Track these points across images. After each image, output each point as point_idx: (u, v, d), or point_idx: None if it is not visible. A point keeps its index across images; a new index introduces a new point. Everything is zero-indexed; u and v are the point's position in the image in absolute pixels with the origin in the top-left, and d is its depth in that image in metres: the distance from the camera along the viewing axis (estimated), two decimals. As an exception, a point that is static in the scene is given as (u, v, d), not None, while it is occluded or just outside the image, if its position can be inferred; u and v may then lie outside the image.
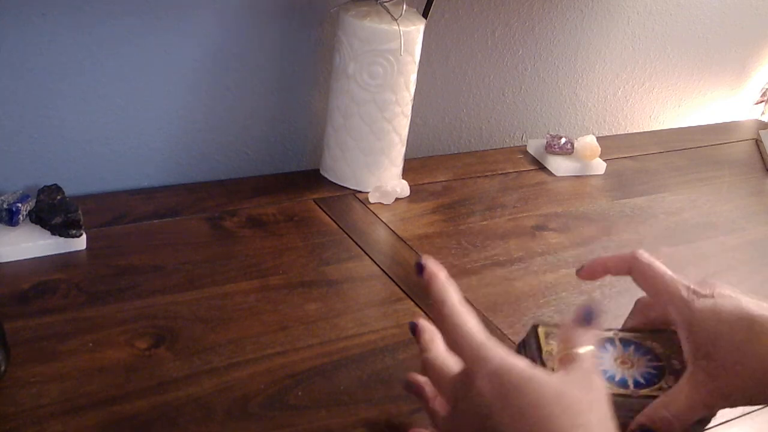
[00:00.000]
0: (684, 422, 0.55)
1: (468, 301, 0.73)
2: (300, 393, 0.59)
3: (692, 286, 0.56)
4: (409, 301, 0.72)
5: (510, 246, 0.84)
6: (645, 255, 0.59)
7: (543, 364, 0.57)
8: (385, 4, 0.83)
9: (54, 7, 0.75)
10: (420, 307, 0.71)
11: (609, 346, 0.60)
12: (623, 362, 0.59)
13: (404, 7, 0.84)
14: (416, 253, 0.80)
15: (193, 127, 0.89)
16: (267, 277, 0.72)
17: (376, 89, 0.85)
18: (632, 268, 0.59)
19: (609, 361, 0.59)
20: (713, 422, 0.62)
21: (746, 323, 0.52)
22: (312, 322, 0.67)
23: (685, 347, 0.56)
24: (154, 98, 0.85)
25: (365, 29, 0.82)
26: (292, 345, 0.64)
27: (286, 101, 0.93)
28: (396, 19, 0.82)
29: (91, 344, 0.61)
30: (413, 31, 0.84)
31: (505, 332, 0.70)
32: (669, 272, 0.57)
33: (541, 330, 0.60)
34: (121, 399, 0.56)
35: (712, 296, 0.55)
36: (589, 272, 0.62)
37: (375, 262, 0.77)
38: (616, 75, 1.22)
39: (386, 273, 0.76)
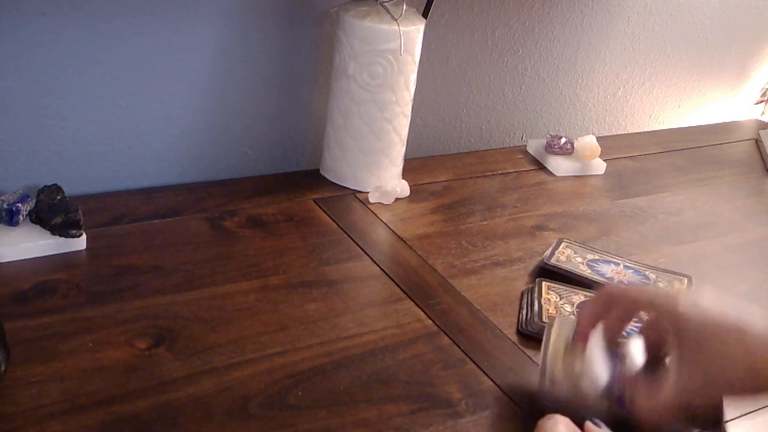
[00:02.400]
0: (664, 412, 0.56)
1: (468, 300, 0.73)
2: (300, 393, 0.59)
3: (674, 293, 0.58)
4: (409, 301, 0.72)
5: (510, 246, 0.84)
6: (609, 287, 0.63)
7: (540, 306, 0.69)
8: (385, 4, 0.83)
9: (54, 7, 0.75)
10: (420, 307, 0.71)
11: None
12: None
13: (404, 7, 0.84)
14: (416, 253, 0.80)
15: (193, 127, 0.89)
16: (267, 277, 0.72)
17: (376, 89, 0.85)
18: (611, 305, 0.61)
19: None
20: (713, 422, 0.62)
21: (733, 323, 0.54)
22: (312, 322, 0.67)
23: (672, 349, 0.57)
24: (154, 98, 0.85)
25: (365, 29, 0.82)
26: (292, 345, 0.64)
27: (286, 101, 0.93)
28: (396, 19, 0.82)
29: (91, 344, 0.61)
30: (413, 31, 0.84)
31: (505, 332, 0.70)
32: (642, 288, 0.61)
33: (544, 284, 0.72)
34: (121, 399, 0.56)
35: (698, 301, 0.56)
36: (582, 335, 0.62)
37: (375, 262, 0.77)
38: (616, 75, 1.22)
39: (386, 273, 0.76)
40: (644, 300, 0.59)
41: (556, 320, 0.65)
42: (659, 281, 0.78)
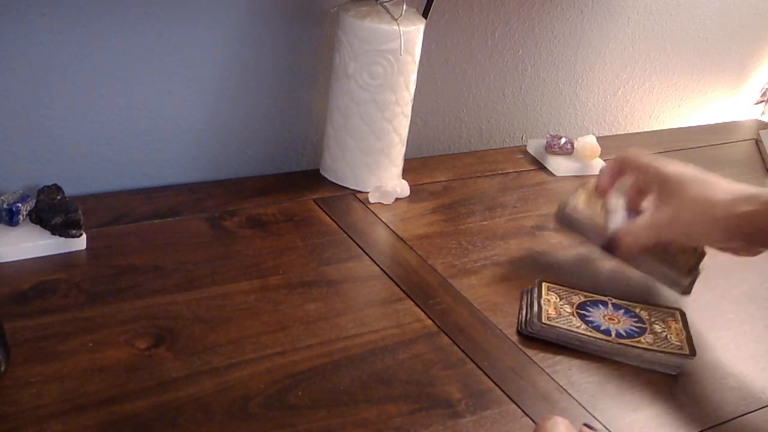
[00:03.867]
0: (638, 240, 0.73)
1: (468, 300, 0.73)
2: (300, 393, 0.59)
3: (668, 161, 0.74)
4: (409, 301, 0.72)
5: (510, 246, 0.84)
6: (630, 154, 0.78)
7: (540, 307, 0.70)
8: (385, 4, 0.83)
9: (54, 7, 0.75)
10: (420, 307, 0.71)
11: (601, 306, 0.73)
12: (611, 319, 0.71)
13: (404, 7, 0.84)
14: (416, 253, 0.80)
15: (193, 127, 0.89)
16: (267, 277, 0.72)
17: (376, 89, 0.85)
18: (624, 168, 0.78)
19: (599, 316, 0.71)
20: (713, 422, 0.63)
21: (700, 179, 0.71)
22: (312, 322, 0.67)
23: (655, 197, 0.74)
24: (154, 98, 0.85)
25: (365, 29, 0.82)
26: (292, 345, 0.64)
27: (286, 101, 0.93)
28: (396, 19, 0.82)
29: (91, 344, 0.61)
30: (413, 31, 0.84)
31: (505, 332, 0.70)
32: (649, 158, 0.76)
33: (544, 285, 0.74)
34: (121, 399, 0.56)
35: (681, 165, 0.73)
36: (602, 190, 0.80)
37: (375, 262, 0.77)
38: (616, 75, 1.22)
39: (386, 273, 0.76)
40: (642, 162, 0.76)
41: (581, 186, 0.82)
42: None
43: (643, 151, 0.78)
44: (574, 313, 0.71)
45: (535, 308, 0.70)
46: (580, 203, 0.80)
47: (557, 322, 0.69)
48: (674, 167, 0.73)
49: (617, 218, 0.77)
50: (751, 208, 0.66)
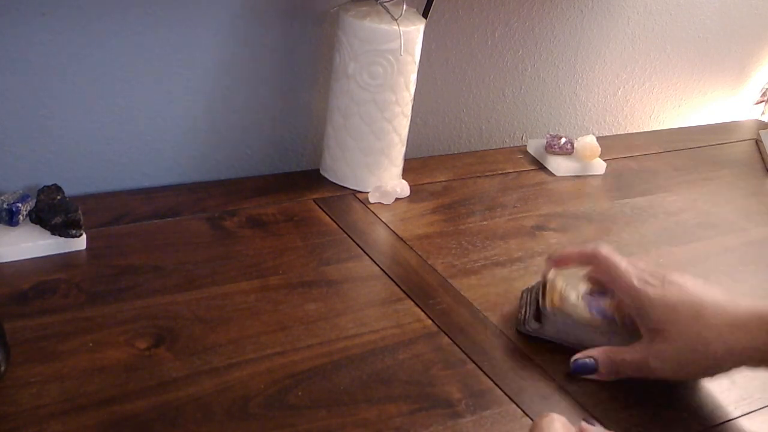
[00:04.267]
0: (622, 368, 0.64)
1: (468, 300, 0.73)
2: (300, 393, 0.59)
3: (644, 276, 0.64)
4: (409, 301, 0.72)
5: (510, 246, 0.84)
6: (604, 249, 0.67)
7: (543, 287, 0.69)
8: (385, 4, 0.83)
9: (54, 7, 0.75)
10: (420, 307, 0.71)
11: (609, 294, 0.69)
12: (618, 308, 0.67)
13: (404, 7, 0.84)
14: (416, 253, 0.80)
15: (193, 127, 0.89)
16: (267, 277, 0.72)
17: (376, 89, 0.85)
18: (592, 261, 0.68)
19: (605, 303, 0.68)
20: (713, 422, 0.63)
21: (691, 306, 0.61)
22: (312, 322, 0.67)
23: (638, 322, 0.64)
24: (154, 98, 0.85)
25: (365, 29, 0.82)
26: (292, 345, 0.64)
27: (286, 101, 0.94)
28: (396, 19, 0.82)
29: (91, 344, 0.61)
30: (413, 31, 0.84)
31: (505, 332, 0.70)
32: (623, 263, 0.66)
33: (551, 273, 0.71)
34: (121, 399, 0.56)
35: (662, 285, 0.63)
36: (557, 262, 0.71)
37: (375, 262, 0.77)
38: (616, 75, 1.22)
39: (386, 273, 0.76)
40: (618, 275, 0.65)
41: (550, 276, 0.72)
42: None
43: (616, 254, 0.66)
44: (582, 298, 0.69)
45: (539, 302, 0.69)
46: (551, 300, 0.70)
47: (564, 307, 0.67)
48: (654, 292, 0.62)
49: (594, 304, 0.68)
50: (751, 342, 0.59)
